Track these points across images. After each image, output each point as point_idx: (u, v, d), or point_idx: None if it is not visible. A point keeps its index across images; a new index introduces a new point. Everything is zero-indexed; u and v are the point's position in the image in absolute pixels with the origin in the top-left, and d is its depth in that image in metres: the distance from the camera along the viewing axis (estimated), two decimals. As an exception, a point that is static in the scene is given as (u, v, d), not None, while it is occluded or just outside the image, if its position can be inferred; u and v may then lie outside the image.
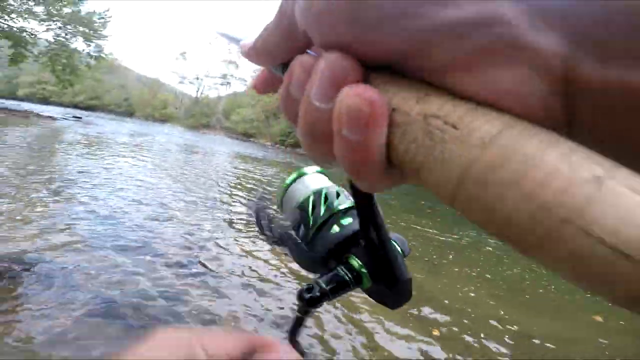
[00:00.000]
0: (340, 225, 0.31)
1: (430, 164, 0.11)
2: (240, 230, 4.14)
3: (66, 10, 17.59)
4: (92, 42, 19.55)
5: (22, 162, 5.48)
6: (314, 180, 0.35)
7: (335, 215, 0.32)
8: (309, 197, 0.34)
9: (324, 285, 0.28)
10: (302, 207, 0.33)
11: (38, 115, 16.50)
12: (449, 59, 0.11)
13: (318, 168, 0.36)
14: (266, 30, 0.16)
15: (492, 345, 2.82)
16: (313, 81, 0.13)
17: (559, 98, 0.10)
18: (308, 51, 0.15)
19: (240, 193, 6.96)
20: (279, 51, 0.16)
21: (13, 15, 16.01)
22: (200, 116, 45.66)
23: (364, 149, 0.12)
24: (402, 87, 0.12)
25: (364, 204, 0.25)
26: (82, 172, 5.54)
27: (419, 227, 6.75)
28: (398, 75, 0.12)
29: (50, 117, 17.29)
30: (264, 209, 0.39)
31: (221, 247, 3.41)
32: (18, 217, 3.05)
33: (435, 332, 2.79)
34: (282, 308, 2.46)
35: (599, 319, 3.93)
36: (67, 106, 39.68)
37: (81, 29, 18.53)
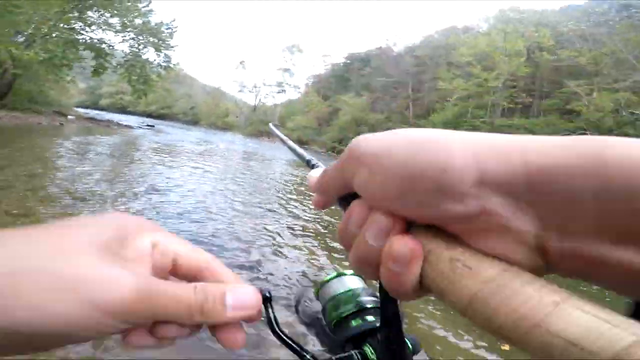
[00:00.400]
0: (364, 320, 0.40)
1: (451, 289, 0.16)
2: (296, 236, 4.33)
3: (138, 21, 18.94)
4: (161, 52, 20.79)
5: (108, 168, 6.15)
6: (350, 280, 0.46)
7: (361, 311, 0.41)
8: (342, 292, 0.44)
9: None
10: (335, 299, 0.43)
11: (118, 125, 18.27)
12: (464, 231, 0.17)
13: (353, 271, 0.46)
14: (326, 176, 0.24)
15: None
16: (368, 226, 0.19)
17: (536, 254, 0.16)
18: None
19: (296, 199, 7.09)
20: (333, 192, 0.24)
21: (93, 27, 17.64)
22: (258, 124, 47.21)
23: (404, 278, 0.18)
24: (436, 237, 0.18)
25: (389, 307, 0.29)
26: (158, 177, 6.10)
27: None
28: (433, 228, 0.18)
29: (128, 126, 18.99)
30: (305, 295, 0.50)
31: (277, 252, 3.62)
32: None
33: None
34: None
35: None
36: (141, 115, 43.65)
37: (151, 39, 19.84)
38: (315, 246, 4.10)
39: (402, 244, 0.17)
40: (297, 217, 5.43)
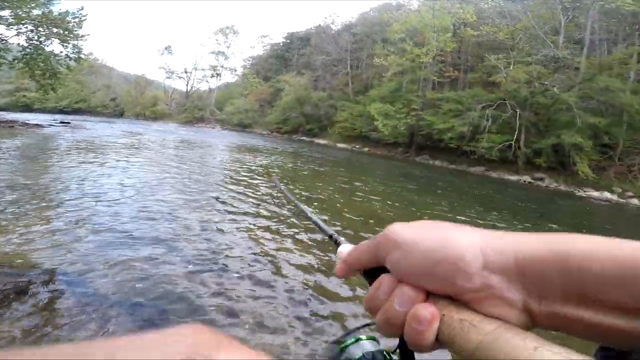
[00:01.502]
0: None
1: (460, 341, 0.23)
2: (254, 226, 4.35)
3: (36, 12, 16.53)
4: (68, 43, 18.59)
5: (16, 175, 5.40)
6: (367, 344, 0.50)
7: None
8: (361, 357, 0.48)
9: None
10: None
11: (24, 124, 16.12)
12: (471, 299, 0.24)
13: (368, 335, 0.52)
14: (358, 251, 0.31)
15: None
16: (397, 295, 0.26)
17: (523, 315, 0.23)
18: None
19: (246, 183, 7.11)
20: (363, 265, 0.31)
21: (-22, 21, 14.93)
22: (193, 110, 44.50)
23: (425, 335, 0.24)
24: (449, 303, 0.24)
25: (407, 358, 0.34)
26: (79, 178, 5.56)
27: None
28: (448, 297, 0.25)
29: (37, 124, 16.72)
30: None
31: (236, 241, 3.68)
32: (24, 231, 3.06)
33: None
34: (290, 291, 2.71)
35: None
36: (53, 112, 38.49)
37: (55, 30, 17.51)
38: (264, 226, 4.29)
39: (425, 310, 0.24)
40: (246, 201, 5.51)
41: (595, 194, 14.88)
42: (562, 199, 13.69)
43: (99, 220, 3.58)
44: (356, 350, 0.49)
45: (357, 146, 25.63)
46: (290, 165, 12.08)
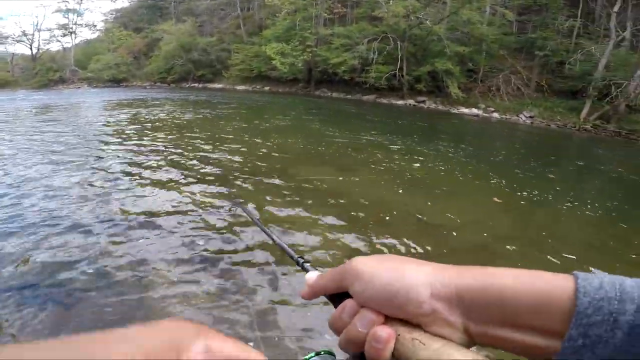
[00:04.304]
0: None
1: (412, 356, 0.28)
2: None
3: None
4: None
5: None
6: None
7: None
8: None
9: None
10: None
11: None
12: (421, 321, 0.29)
13: (325, 349, 0.51)
14: (324, 279, 0.36)
15: (403, 229, 3.61)
16: (360, 318, 0.31)
17: (464, 335, 0.28)
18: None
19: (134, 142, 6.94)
20: (329, 291, 0.36)
21: None
22: (47, 72, 36.89)
23: (382, 351, 0.29)
24: (403, 325, 0.30)
25: None
26: None
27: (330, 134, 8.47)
28: (402, 320, 0.30)
29: None
30: None
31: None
32: None
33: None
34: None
35: (497, 200, 4.96)
36: None
37: None
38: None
39: (383, 331, 0.29)
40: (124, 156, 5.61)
41: (466, 110, 18.07)
42: (442, 116, 16.22)
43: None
44: None
45: (258, 86, 25.74)
46: (182, 114, 11.36)
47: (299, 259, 0.46)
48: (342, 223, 3.60)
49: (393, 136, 9.14)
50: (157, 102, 14.83)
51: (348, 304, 0.33)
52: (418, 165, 6.47)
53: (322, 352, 0.51)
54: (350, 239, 3.28)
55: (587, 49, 16.10)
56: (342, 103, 18.44)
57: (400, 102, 19.79)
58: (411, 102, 19.62)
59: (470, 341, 0.29)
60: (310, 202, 4.08)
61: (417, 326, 0.30)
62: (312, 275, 0.39)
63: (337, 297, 0.35)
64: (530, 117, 16.92)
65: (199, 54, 28.69)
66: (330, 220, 3.64)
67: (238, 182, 4.70)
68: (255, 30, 28.12)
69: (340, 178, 5.18)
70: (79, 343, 0.19)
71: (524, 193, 5.30)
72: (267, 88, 25.26)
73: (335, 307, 0.35)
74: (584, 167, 8.35)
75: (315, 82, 23.52)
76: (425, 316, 0.29)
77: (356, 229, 3.51)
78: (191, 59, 29.01)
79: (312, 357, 0.49)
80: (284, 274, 2.65)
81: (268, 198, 4.16)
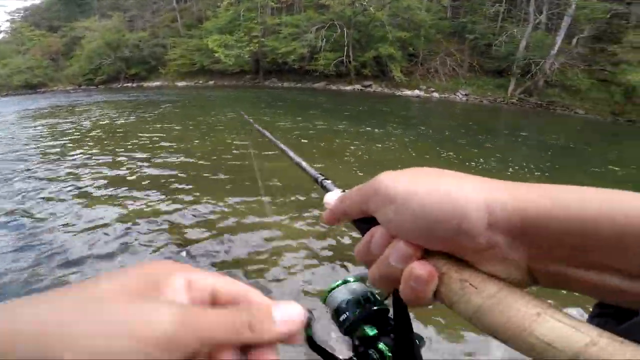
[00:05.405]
0: (374, 322, 0.46)
1: (460, 302, 0.23)
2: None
3: None
4: None
5: None
6: (355, 286, 0.51)
7: (369, 315, 0.47)
8: (351, 298, 0.49)
9: None
10: (345, 304, 0.49)
11: None
12: (472, 257, 0.23)
13: (356, 276, 0.52)
14: (346, 201, 0.29)
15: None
16: (392, 252, 0.25)
17: (526, 274, 0.23)
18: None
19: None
20: (353, 216, 0.29)
21: None
22: None
23: (422, 294, 0.24)
24: (448, 262, 0.24)
25: (401, 310, 0.36)
26: None
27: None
28: (446, 254, 0.24)
29: None
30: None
31: None
32: None
33: None
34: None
35: (413, 154, 5.87)
36: None
37: None
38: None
39: (422, 268, 0.23)
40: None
41: (409, 92, 19.26)
42: (388, 99, 17.09)
43: None
44: (345, 293, 0.50)
45: (201, 81, 24.72)
46: (116, 118, 10.35)
47: (319, 175, 0.43)
48: (300, 215, 3.63)
49: (345, 121, 9.50)
50: (84, 108, 13.23)
51: (377, 232, 0.26)
52: (372, 147, 6.77)
53: (352, 280, 0.51)
54: (312, 235, 3.28)
55: (510, 31, 18.27)
56: (292, 92, 18.53)
57: (349, 87, 20.49)
58: (358, 87, 20.43)
59: (533, 281, 0.23)
60: (267, 198, 4.08)
61: (465, 262, 0.24)
62: (332, 197, 0.34)
63: (363, 222, 0.29)
64: (465, 95, 18.70)
65: (129, 51, 26.85)
66: (289, 214, 3.64)
67: (184, 186, 4.51)
68: (194, 22, 27.13)
69: (296, 168, 5.17)
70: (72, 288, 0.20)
71: (472, 163, 6.12)
72: (211, 82, 24.39)
73: (362, 234, 0.29)
74: (515, 135, 9.66)
75: (264, 72, 23.33)
76: (479, 252, 0.23)
77: (315, 219, 3.54)
78: (121, 56, 27.02)
79: (339, 285, 0.51)
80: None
81: (225, 198, 4.08)
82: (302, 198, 4.01)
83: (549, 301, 0.21)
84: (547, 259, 0.22)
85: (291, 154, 0.55)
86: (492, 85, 18.85)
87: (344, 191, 0.36)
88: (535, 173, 5.81)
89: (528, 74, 17.44)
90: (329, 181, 0.40)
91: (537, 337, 0.19)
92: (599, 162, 6.93)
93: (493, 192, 0.23)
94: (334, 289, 0.51)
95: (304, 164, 0.49)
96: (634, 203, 0.19)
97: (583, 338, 0.18)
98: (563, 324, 0.19)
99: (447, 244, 0.23)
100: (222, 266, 2.80)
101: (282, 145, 0.60)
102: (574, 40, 17.35)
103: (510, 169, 5.93)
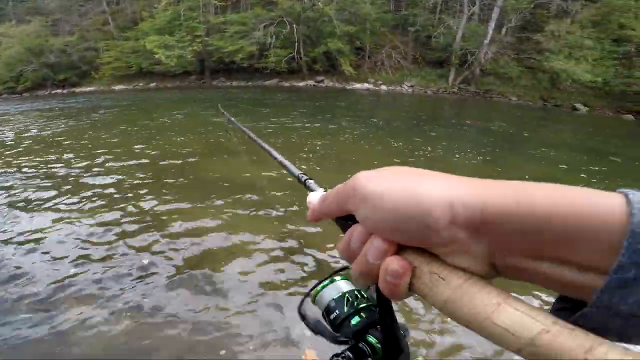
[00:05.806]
0: (361, 317, 0.49)
1: (431, 293, 0.24)
2: None
3: None
4: None
5: None
6: (341, 285, 0.53)
7: (357, 310, 0.49)
8: (338, 297, 0.51)
9: (351, 355, 0.46)
10: (333, 303, 0.51)
11: None
12: (440, 252, 0.25)
13: (343, 276, 0.54)
14: (327, 201, 0.32)
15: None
16: (369, 249, 0.27)
17: (488, 266, 0.24)
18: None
19: None
20: (333, 215, 0.32)
21: None
22: None
23: (397, 286, 0.26)
24: (420, 256, 0.26)
25: (384, 304, 0.39)
26: None
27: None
28: (419, 249, 0.26)
29: None
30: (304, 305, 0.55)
31: None
32: None
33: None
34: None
35: (397, 161, 5.76)
36: None
37: None
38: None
39: (396, 263, 0.25)
40: None
41: (359, 85, 19.68)
42: (339, 93, 17.34)
43: None
44: (332, 292, 0.52)
45: (141, 84, 23.17)
46: (44, 129, 8.99)
47: (302, 175, 0.43)
48: (259, 214, 3.57)
49: (298, 118, 9.50)
50: (8, 118, 11.55)
51: (355, 230, 0.28)
52: (326, 141, 6.86)
53: (339, 279, 0.54)
54: (271, 234, 3.21)
55: (447, 23, 19.37)
56: (242, 91, 18.03)
57: (301, 83, 20.46)
58: (311, 82, 20.49)
59: (495, 273, 0.24)
60: (222, 201, 3.89)
61: (435, 256, 0.25)
62: (314, 196, 0.36)
63: (344, 220, 0.31)
64: (410, 86, 19.57)
65: (55, 57, 24.49)
66: (246, 216, 3.56)
67: (134, 195, 4.15)
68: (129, 24, 25.38)
69: (250, 167, 5.02)
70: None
71: (421, 152, 6.40)
72: (153, 84, 22.95)
73: (344, 232, 0.30)
74: (458, 123, 10.28)
75: (211, 72, 22.53)
76: (444, 246, 0.24)
77: (273, 219, 3.51)
78: (46, 62, 24.53)
79: (326, 285, 0.53)
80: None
81: (177, 205, 3.86)
82: (256, 197, 3.93)
83: (511, 293, 0.22)
84: (504, 252, 0.23)
85: (275, 153, 0.55)
86: (435, 75, 19.90)
87: (325, 190, 0.37)
88: (478, 158, 6.15)
89: (465, 63, 18.66)
90: (312, 181, 0.41)
91: (497, 324, 0.21)
92: (533, 145, 7.51)
93: (456, 189, 0.24)
94: (322, 288, 0.53)
95: (287, 163, 0.48)
96: (583, 201, 0.21)
97: (538, 325, 0.19)
98: (521, 313, 0.20)
99: (417, 239, 0.25)
100: (181, 269, 2.65)
101: (265, 145, 0.60)
102: (504, 30, 18.87)
103: (457, 155, 6.21)
